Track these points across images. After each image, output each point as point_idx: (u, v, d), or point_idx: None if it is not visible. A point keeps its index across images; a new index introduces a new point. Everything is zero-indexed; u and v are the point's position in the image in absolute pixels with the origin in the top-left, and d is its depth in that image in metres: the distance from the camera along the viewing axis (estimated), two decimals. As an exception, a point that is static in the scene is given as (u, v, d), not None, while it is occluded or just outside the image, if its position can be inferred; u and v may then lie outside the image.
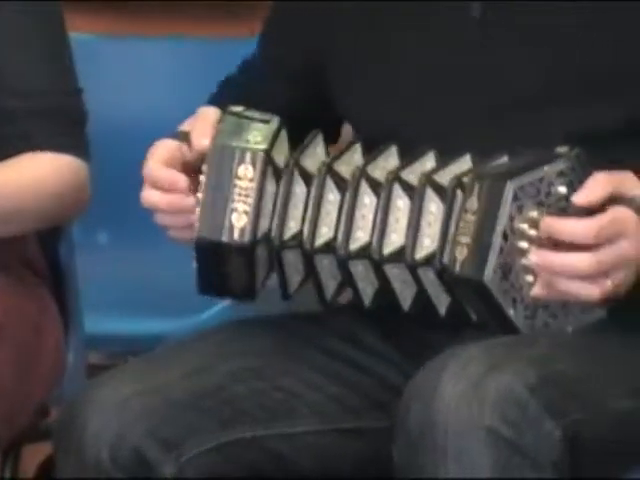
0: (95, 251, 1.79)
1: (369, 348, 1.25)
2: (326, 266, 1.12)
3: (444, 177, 1.06)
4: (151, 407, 1.17)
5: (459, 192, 1.05)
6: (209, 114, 1.19)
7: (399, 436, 1.08)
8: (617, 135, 1.19)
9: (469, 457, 1.05)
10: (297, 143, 1.14)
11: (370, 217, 1.08)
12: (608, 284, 1.06)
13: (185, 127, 1.20)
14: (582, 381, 1.11)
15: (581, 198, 1.04)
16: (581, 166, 1.07)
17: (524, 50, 1.23)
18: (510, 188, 1.02)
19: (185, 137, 1.16)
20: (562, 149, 1.07)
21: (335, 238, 1.09)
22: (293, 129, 1.19)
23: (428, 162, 1.08)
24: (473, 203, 1.05)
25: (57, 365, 1.40)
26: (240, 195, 1.10)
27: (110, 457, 1.14)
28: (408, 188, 1.06)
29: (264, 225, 1.10)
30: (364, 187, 1.08)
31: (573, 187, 1.05)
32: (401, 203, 1.06)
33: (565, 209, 1.05)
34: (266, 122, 1.13)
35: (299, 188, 1.10)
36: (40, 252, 1.42)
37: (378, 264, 1.09)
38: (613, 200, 1.06)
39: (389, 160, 1.10)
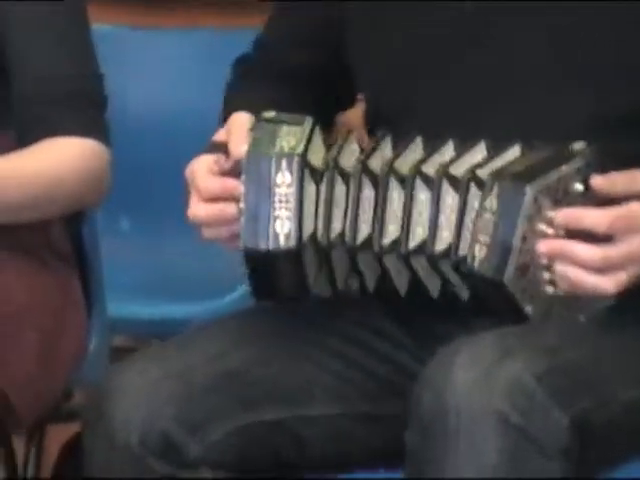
0: (117, 237, 1.81)
1: (385, 334, 1.27)
2: (366, 261, 1.14)
3: (460, 168, 1.07)
4: (177, 392, 1.18)
5: (473, 185, 1.06)
6: (242, 121, 1.18)
7: (412, 422, 1.10)
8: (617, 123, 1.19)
9: (479, 442, 1.07)
10: (318, 112, 1.16)
11: (399, 212, 1.10)
12: (623, 277, 1.06)
13: (219, 137, 1.20)
14: (591, 370, 1.14)
15: (599, 182, 1.05)
16: (597, 162, 1.08)
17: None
18: (530, 192, 1.04)
19: (221, 147, 1.16)
20: (578, 145, 1.08)
21: (371, 234, 1.11)
22: (313, 95, 1.26)
23: (447, 153, 1.09)
24: (492, 203, 1.06)
25: (80, 347, 1.43)
26: (281, 202, 1.10)
27: (140, 441, 1.16)
28: (428, 181, 1.08)
29: (308, 228, 1.11)
30: (393, 183, 1.10)
31: (589, 184, 1.06)
32: (422, 196, 1.08)
33: (582, 205, 1.07)
34: (299, 124, 1.13)
35: (338, 187, 1.12)
36: (64, 236, 1.43)
37: (405, 257, 1.10)
38: (631, 198, 1.07)
39: (416, 152, 1.11)
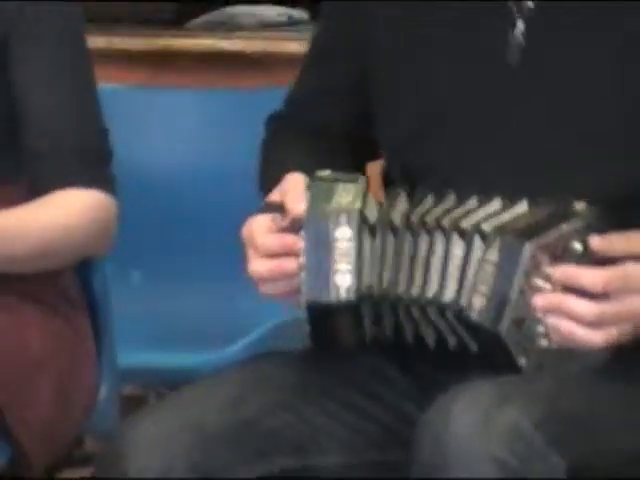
0: (128, 288, 1.84)
1: (391, 383, 1.30)
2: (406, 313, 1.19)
3: (470, 221, 1.12)
4: (190, 443, 1.21)
5: (478, 238, 1.11)
6: (297, 181, 1.23)
7: (414, 468, 1.13)
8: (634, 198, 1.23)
9: None
10: (352, 165, 1.26)
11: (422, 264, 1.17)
12: (613, 333, 1.11)
13: (273, 198, 1.25)
14: (588, 418, 1.17)
15: (597, 242, 1.10)
16: (597, 224, 1.12)
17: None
18: (529, 248, 1.09)
19: (277, 207, 1.21)
20: (579, 205, 1.13)
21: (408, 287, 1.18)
22: (346, 149, 1.32)
23: (469, 204, 1.15)
24: (494, 255, 1.11)
25: (91, 394, 1.47)
26: (341, 256, 1.16)
27: None
28: (445, 234, 1.14)
29: (366, 280, 1.16)
30: (423, 236, 1.16)
31: (587, 244, 1.11)
32: (439, 249, 1.15)
33: (580, 263, 1.12)
34: (353, 182, 1.19)
35: (389, 241, 1.17)
36: (75, 284, 1.48)
37: (423, 308, 1.16)
38: (627, 259, 1.12)
39: (446, 204, 1.18)
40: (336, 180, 1.19)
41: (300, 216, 1.17)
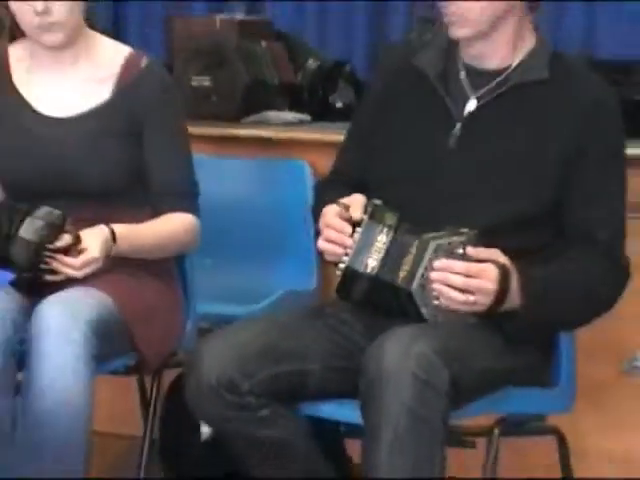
0: (203, 268, 2.57)
1: (353, 326, 1.98)
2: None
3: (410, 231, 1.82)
4: (235, 355, 1.86)
5: (416, 242, 1.79)
6: (358, 198, 1.89)
7: (363, 377, 1.76)
8: (508, 228, 1.87)
9: (400, 389, 1.70)
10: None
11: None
12: (471, 299, 1.75)
13: (344, 201, 1.89)
14: (463, 350, 1.81)
15: (471, 251, 1.75)
16: (473, 240, 1.79)
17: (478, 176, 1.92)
18: (432, 245, 1.76)
19: (344, 206, 1.85)
20: (464, 230, 1.79)
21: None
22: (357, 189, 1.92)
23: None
24: (413, 249, 1.79)
25: (182, 326, 2.24)
26: (376, 251, 1.82)
27: (217, 382, 1.82)
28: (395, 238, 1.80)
29: (380, 268, 1.81)
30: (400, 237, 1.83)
31: (465, 251, 1.76)
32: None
33: (457, 255, 1.76)
34: (392, 211, 1.85)
35: (394, 249, 1.82)
36: (174, 265, 2.28)
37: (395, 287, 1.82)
38: (488, 262, 1.76)
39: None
40: (384, 209, 1.85)
41: (356, 219, 1.82)
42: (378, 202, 1.89)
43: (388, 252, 1.84)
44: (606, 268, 2.00)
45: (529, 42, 2.02)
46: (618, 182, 2.03)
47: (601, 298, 2.03)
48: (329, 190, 2.07)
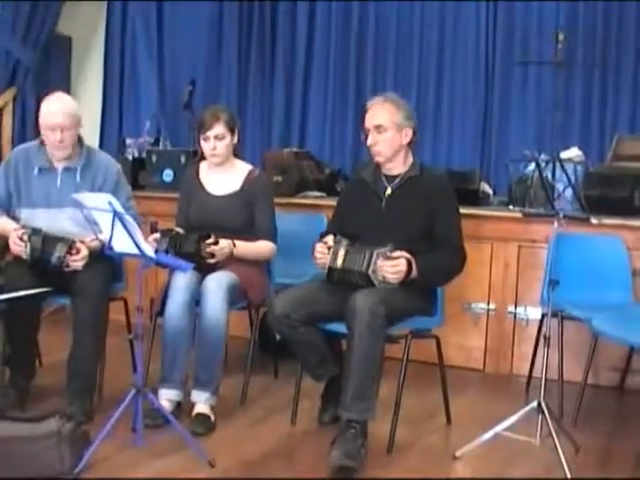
0: (277, 262, 4.43)
1: (338, 291, 3.50)
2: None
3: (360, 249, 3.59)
4: (289, 301, 3.53)
5: (374, 254, 3.43)
6: (331, 236, 3.54)
7: (347, 311, 3.37)
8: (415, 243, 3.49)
9: (363, 317, 3.31)
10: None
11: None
12: (395, 276, 3.43)
13: (325, 239, 3.57)
14: (394, 299, 3.41)
15: (395, 254, 3.45)
16: (393, 249, 3.43)
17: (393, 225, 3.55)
18: (376, 251, 3.46)
19: (325, 240, 3.54)
20: (390, 246, 3.45)
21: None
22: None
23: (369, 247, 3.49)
24: (367, 253, 3.49)
25: (267, 289, 4.25)
26: (340, 257, 3.53)
27: (281, 314, 3.51)
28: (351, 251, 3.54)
29: (343, 264, 3.49)
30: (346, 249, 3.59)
31: (386, 253, 3.46)
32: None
33: (387, 258, 3.43)
34: (347, 239, 3.51)
35: (349, 254, 3.50)
36: (265, 264, 4.29)
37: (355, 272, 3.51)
38: (401, 258, 3.42)
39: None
40: (341, 238, 3.51)
41: (330, 245, 3.51)
42: (339, 237, 3.52)
43: (345, 257, 3.49)
44: (455, 256, 3.65)
45: (410, 159, 3.78)
46: (456, 217, 3.75)
47: (454, 270, 3.66)
48: (323, 236, 3.67)
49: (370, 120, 3.65)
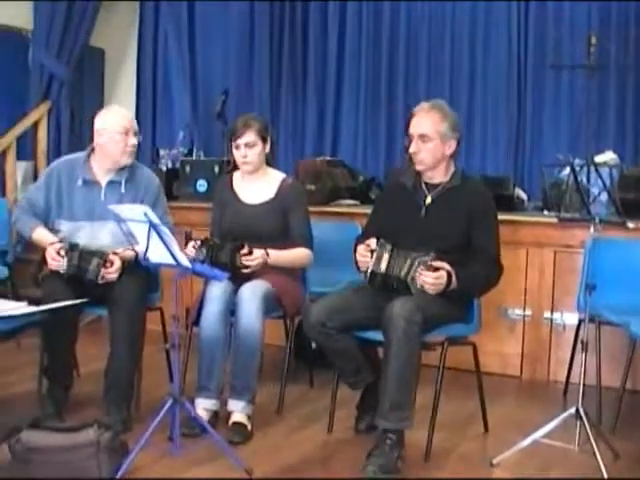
0: (312, 271, 4.43)
1: (378, 298, 3.47)
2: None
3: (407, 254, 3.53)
4: (327, 308, 3.51)
5: (416, 261, 3.42)
6: (374, 240, 3.43)
7: (383, 319, 3.35)
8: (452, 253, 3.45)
9: (399, 324, 3.29)
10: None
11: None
12: (436, 288, 3.39)
13: (367, 242, 3.46)
14: (430, 306, 3.38)
15: (434, 263, 3.40)
16: (434, 257, 3.40)
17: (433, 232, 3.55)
18: (416, 261, 3.44)
19: (367, 243, 3.45)
20: (432, 254, 3.42)
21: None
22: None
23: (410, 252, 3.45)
24: (408, 261, 3.45)
25: (302, 297, 4.24)
26: (383, 262, 3.44)
27: (316, 322, 3.51)
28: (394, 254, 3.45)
29: (387, 270, 3.44)
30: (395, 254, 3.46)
31: (431, 263, 3.43)
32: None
33: (429, 267, 3.39)
34: (390, 243, 3.44)
35: (393, 259, 3.46)
36: (299, 271, 4.29)
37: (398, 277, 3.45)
38: (442, 270, 3.38)
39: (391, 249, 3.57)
40: (384, 242, 3.43)
41: (373, 248, 3.43)
42: (382, 240, 3.45)
43: (389, 262, 3.43)
44: (493, 268, 3.62)
45: (452, 168, 3.80)
46: (495, 230, 3.75)
47: (491, 283, 3.66)
48: (360, 239, 3.66)
49: (415, 128, 3.63)
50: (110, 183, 4.08)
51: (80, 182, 4.07)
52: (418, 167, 3.67)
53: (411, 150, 3.63)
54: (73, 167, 4.09)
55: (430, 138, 3.58)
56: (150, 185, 4.12)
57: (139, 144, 3.93)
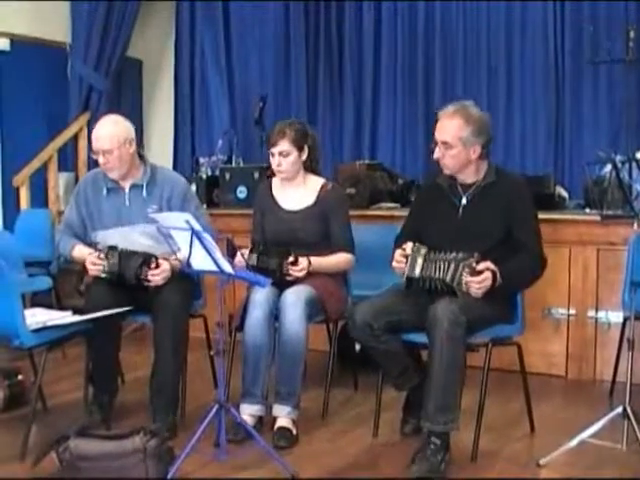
0: (355, 273, 4.37)
1: (421, 298, 3.48)
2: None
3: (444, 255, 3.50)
4: (372, 310, 3.51)
5: (461, 262, 3.39)
6: (410, 244, 3.47)
7: (427, 321, 3.36)
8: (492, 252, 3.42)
9: (443, 326, 3.29)
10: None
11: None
12: (481, 290, 3.38)
13: (404, 246, 3.50)
14: (475, 308, 3.37)
15: (479, 266, 3.38)
16: (478, 259, 3.38)
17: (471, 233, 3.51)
18: (461, 265, 3.41)
19: (403, 247, 3.47)
20: (475, 256, 3.39)
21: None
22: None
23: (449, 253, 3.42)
24: (452, 263, 3.42)
25: (345, 300, 4.24)
26: (417, 266, 3.45)
27: (361, 324, 3.51)
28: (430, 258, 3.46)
29: (422, 273, 3.44)
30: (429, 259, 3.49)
31: (474, 266, 3.36)
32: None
33: (473, 270, 3.37)
34: (425, 247, 3.45)
35: (428, 263, 3.45)
36: (343, 274, 4.28)
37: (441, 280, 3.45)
38: (486, 272, 3.37)
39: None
40: (419, 246, 3.47)
41: (408, 253, 3.46)
42: (418, 244, 3.49)
43: (423, 267, 3.45)
44: (536, 261, 3.57)
45: (484, 167, 3.71)
46: (535, 221, 3.70)
47: (535, 276, 3.59)
48: (398, 241, 3.71)
49: (437, 134, 3.59)
50: (133, 187, 4.14)
51: (105, 191, 4.15)
52: (445, 171, 3.65)
53: (435, 156, 3.62)
54: (96, 179, 4.19)
55: (451, 145, 3.55)
56: (175, 184, 4.16)
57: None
